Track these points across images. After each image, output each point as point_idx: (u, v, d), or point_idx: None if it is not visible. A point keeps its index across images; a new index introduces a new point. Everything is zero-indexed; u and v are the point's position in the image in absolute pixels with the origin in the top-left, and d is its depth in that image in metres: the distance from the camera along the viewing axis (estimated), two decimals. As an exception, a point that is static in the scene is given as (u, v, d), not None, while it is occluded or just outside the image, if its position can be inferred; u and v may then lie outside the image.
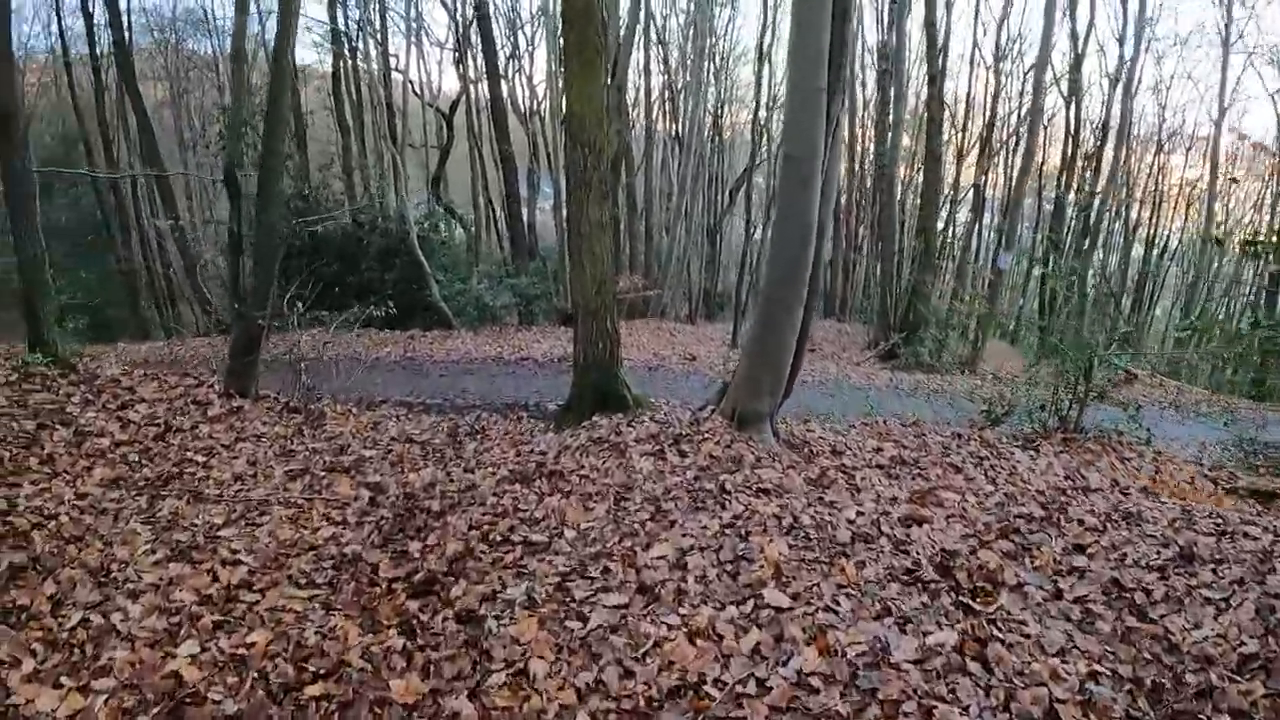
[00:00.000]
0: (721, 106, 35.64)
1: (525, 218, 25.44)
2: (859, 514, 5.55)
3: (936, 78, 21.95)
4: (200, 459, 7.28)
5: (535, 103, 31.45)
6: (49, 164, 21.89)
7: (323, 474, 7.08)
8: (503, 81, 25.57)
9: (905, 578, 4.62)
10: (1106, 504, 6.18)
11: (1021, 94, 32.79)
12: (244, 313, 9.58)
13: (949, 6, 24.54)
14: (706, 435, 7.13)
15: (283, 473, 7.06)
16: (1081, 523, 5.59)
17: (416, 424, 10.00)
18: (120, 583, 4.84)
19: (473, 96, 28.30)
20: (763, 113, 32.97)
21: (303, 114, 26.10)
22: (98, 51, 25.86)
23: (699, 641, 3.93)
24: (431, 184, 24.81)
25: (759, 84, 32.43)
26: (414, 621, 4.40)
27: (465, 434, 9.14)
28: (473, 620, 4.34)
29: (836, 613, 4.13)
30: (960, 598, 4.40)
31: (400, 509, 6.12)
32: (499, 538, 5.41)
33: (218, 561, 5.17)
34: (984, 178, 31.99)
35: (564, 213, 23.18)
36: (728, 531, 5.15)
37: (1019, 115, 32.87)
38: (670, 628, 4.06)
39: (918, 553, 4.95)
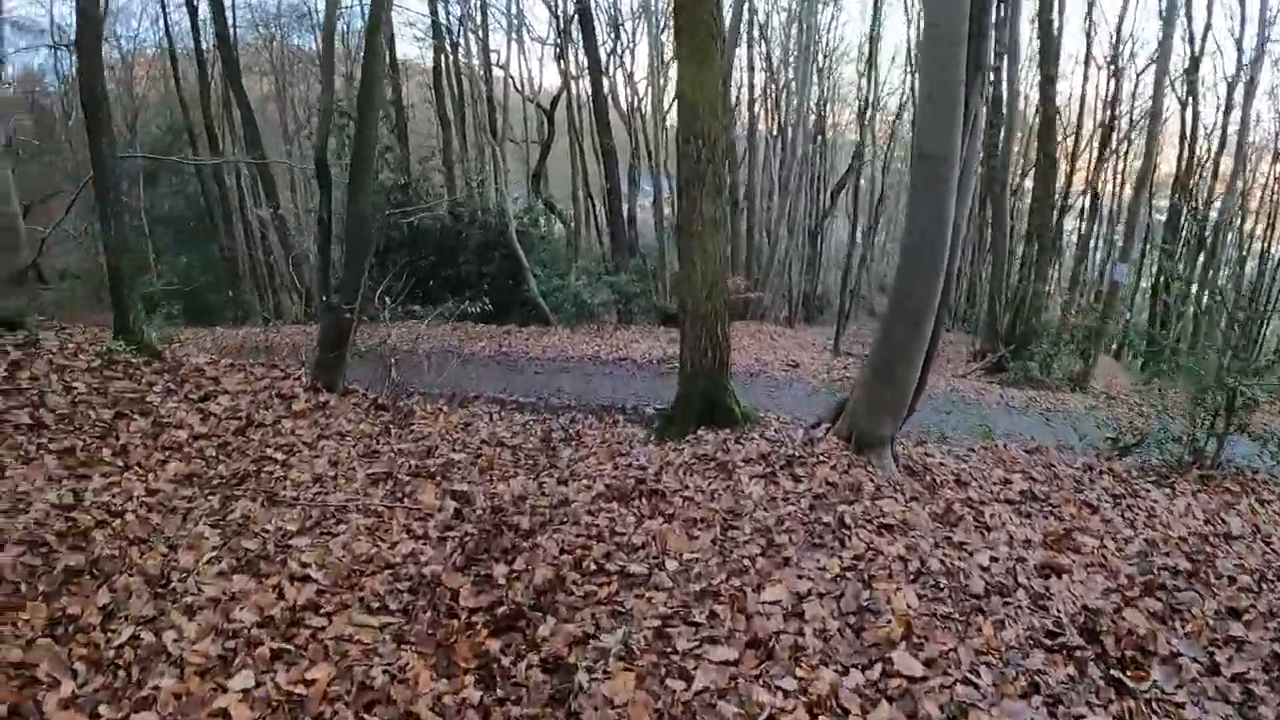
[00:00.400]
0: (824, 105, 34.84)
1: (626, 213, 25.22)
2: (992, 559, 5.01)
3: (1054, 78, 20.85)
4: (280, 456, 7.04)
5: (636, 99, 31.21)
6: (155, 153, 22.51)
7: (407, 479, 6.72)
8: (604, 77, 25.36)
9: (1048, 642, 4.09)
10: (1256, 558, 5.53)
11: (1134, 96, 31.09)
12: (333, 305, 9.39)
13: (1060, 8, 23.31)
14: (822, 458, 6.59)
15: (365, 476, 6.71)
16: (1233, 580, 4.94)
17: (508, 425, 9.75)
18: (178, 595, 4.51)
19: (574, 92, 28.14)
20: (868, 112, 32.07)
21: (404, 107, 26.34)
22: (203, 46, 26.53)
23: (820, 716, 3.46)
24: (532, 179, 24.80)
25: (866, 83, 31.55)
26: (494, 666, 3.96)
27: (559, 439, 8.80)
28: (561, 669, 3.90)
29: (977, 687, 3.60)
30: (1110, 670, 3.86)
31: (487, 524, 5.71)
32: (593, 565, 4.96)
33: (285, 576, 4.81)
34: (1098, 184, 30.52)
35: (665, 210, 23.03)
36: (849, 575, 4.65)
37: (1130, 119, 31.22)
38: (787, 694, 3.56)
39: (1059, 610, 4.40)
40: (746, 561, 4.91)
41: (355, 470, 6.91)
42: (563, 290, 20.06)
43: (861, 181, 35.16)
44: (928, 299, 6.68)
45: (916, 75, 25.42)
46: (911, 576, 4.68)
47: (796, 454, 6.75)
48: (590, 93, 24.66)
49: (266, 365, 9.71)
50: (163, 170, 28.23)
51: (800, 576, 4.64)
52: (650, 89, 27.17)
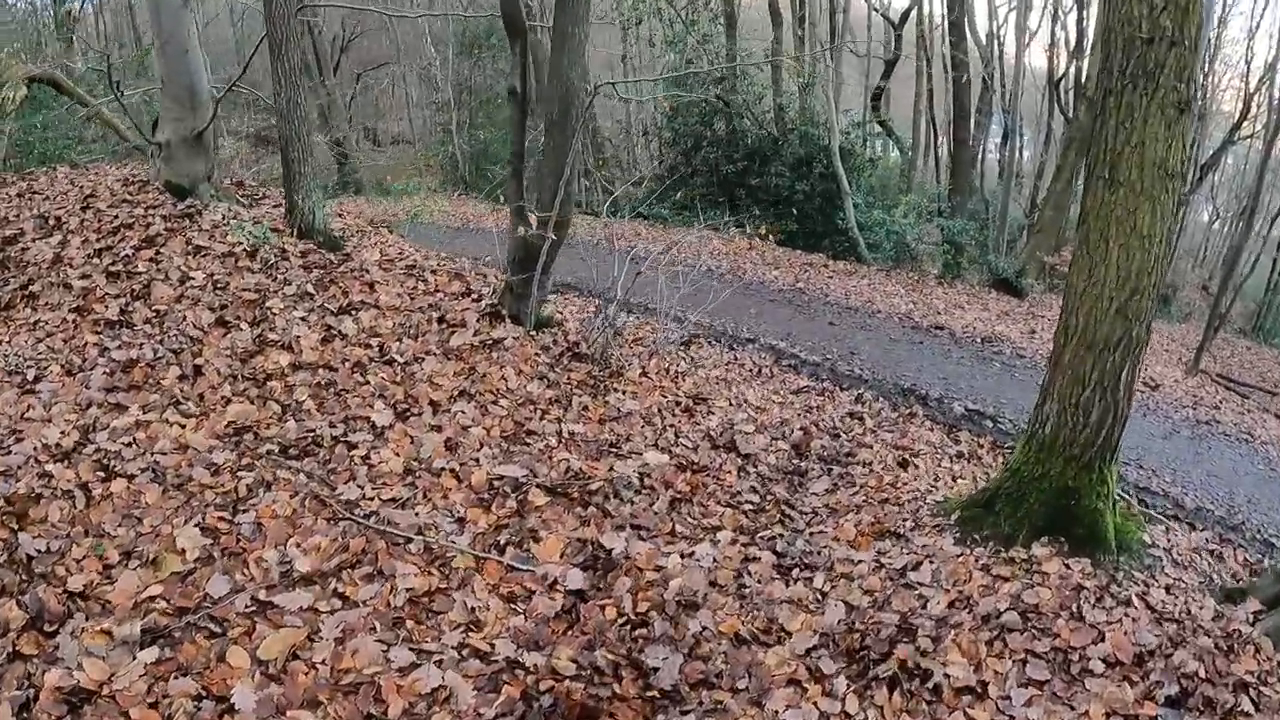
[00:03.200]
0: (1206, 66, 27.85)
1: (971, 149, 21.23)
2: None
3: None
4: (384, 420, 5.15)
5: (996, 25, 26.38)
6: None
7: (544, 504, 4.49)
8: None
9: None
10: None
11: None
12: (521, 211, 6.73)
13: None
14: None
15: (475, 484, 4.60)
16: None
17: (772, 391, 7.26)
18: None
19: (925, 10, 24.12)
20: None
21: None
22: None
23: None
24: (871, 98, 21.38)
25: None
26: None
27: (820, 454, 5.99)
28: None
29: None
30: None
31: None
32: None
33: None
34: None
35: (1019, 154, 18.99)
36: None
37: None
38: None
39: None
40: None
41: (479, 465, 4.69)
42: (884, 226, 16.84)
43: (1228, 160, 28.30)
44: None
45: None
46: None
47: (1218, 642, 3.53)
48: (945, 11, 20.64)
49: (450, 272, 7.50)
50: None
51: None
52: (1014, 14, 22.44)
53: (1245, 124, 25.56)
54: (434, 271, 7.05)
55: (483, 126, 26.74)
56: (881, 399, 9.09)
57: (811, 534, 4.52)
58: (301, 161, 7.16)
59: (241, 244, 6.70)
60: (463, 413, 5.24)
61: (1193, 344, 18.05)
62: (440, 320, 6.26)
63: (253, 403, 5.17)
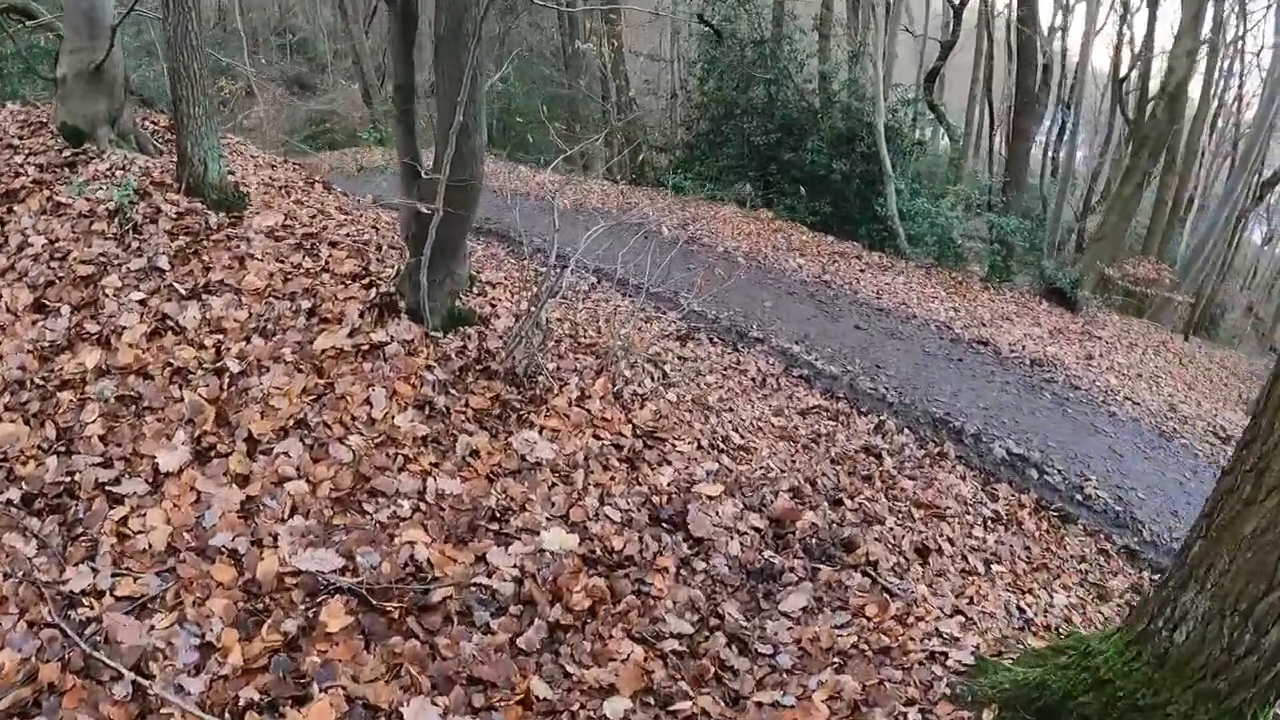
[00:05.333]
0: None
1: (1029, 141, 19.18)
2: None
3: None
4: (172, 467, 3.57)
5: (1064, 16, 24.23)
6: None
7: (342, 628, 2.91)
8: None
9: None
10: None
11: None
12: (414, 169, 4.73)
13: None
14: None
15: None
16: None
17: (775, 405, 5.66)
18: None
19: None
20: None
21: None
22: None
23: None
24: (926, 78, 19.31)
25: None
26: None
27: (808, 534, 4.26)
28: None
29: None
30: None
31: None
32: None
33: None
34: None
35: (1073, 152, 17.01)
36: None
37: None
38: None
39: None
40: None
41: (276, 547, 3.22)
42: (929, 216, 14.95)
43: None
44: None
45: None
46: None
47: None
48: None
49: (353, 246, 5.49)
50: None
51: None
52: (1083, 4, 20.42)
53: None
54: (335, 244, 5.38)
55: (509, 80, 25.14)
56: (907, 430, 7.49)
57: (760, 712, 2.86)
58: (192, 101, 5.50)
59: (107, 203, 5.15)
60: (287, 455, 3.63)
61: (1243, 374, 16.11)
62: (310, 312, 4.54)
63: (27, 422, 3.67)
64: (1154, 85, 22.56)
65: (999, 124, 23.82)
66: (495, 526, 3.46)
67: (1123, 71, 21.62)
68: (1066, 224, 20.72)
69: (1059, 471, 7.36)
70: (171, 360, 4.10)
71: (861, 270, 13.00)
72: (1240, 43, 24.95)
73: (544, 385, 4.42)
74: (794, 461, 5.54)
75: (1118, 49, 22.04)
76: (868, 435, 7.17)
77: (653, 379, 5.25)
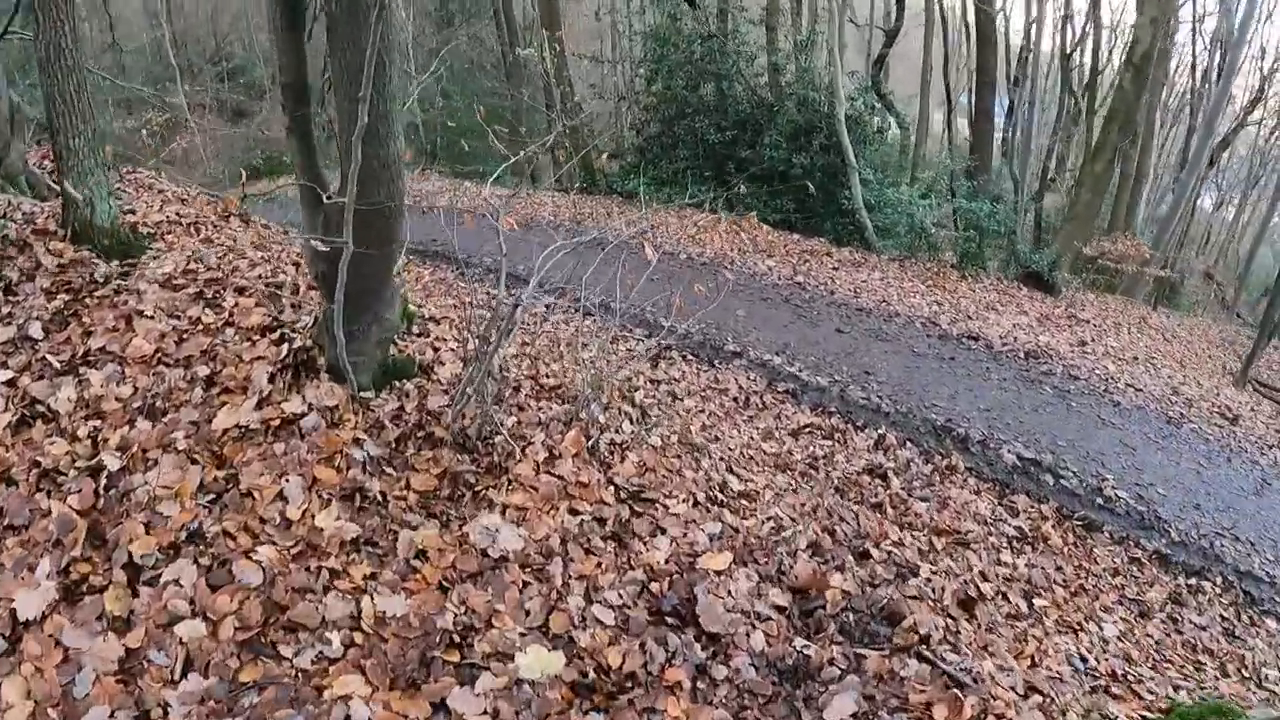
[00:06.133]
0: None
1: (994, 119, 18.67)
2: None
3: None
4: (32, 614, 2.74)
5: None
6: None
7: None
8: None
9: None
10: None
11: None
12: (315, 194, 3.73)
13: None
14: None
15: None
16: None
17: (764, 428, 4.96)
18: None
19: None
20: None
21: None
22: None
23: None
24: (873, 65, 18.70)
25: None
26: None
27: (841, 607, 3.47)
28: None
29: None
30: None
31: None
32: None
33: None
34: None
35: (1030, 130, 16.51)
36: None
37: None
38: None
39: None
40: None
41: None
42: (898, 206, 14.30)
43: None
44: None
45: None
46: None
47: None
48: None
49: (267, 291, 4.58)
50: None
51: None
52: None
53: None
54: (243, 290, 4.51)
55: (451, 95, 24.33)
56: (909, 443, 6.81)
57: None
58: (72, 132, 4.61)
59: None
60: (178, 584, 2.77)
61: (1217, 341, 15.63)
62: (209, 381, 3.67)
63: None
64: (1102, 60, 22.50)
65: (954, 106, 23.52)
66: (455, 656, 2.65)
67: (1069, 48, 21.40)
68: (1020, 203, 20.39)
69: (1074, 473, 6.74)
70: (40, 458, 3.25)
71: (835, 268, 12.30)
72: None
73: (503, 448, 3.61)
74: (801, 504, 4.79)
75: (1064, 25, 21.90)
76: (868, 453, 6.49)
77: (631, 420, 4.45)
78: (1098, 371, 9.51)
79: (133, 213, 5.65)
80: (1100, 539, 6.14)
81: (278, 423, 3.41)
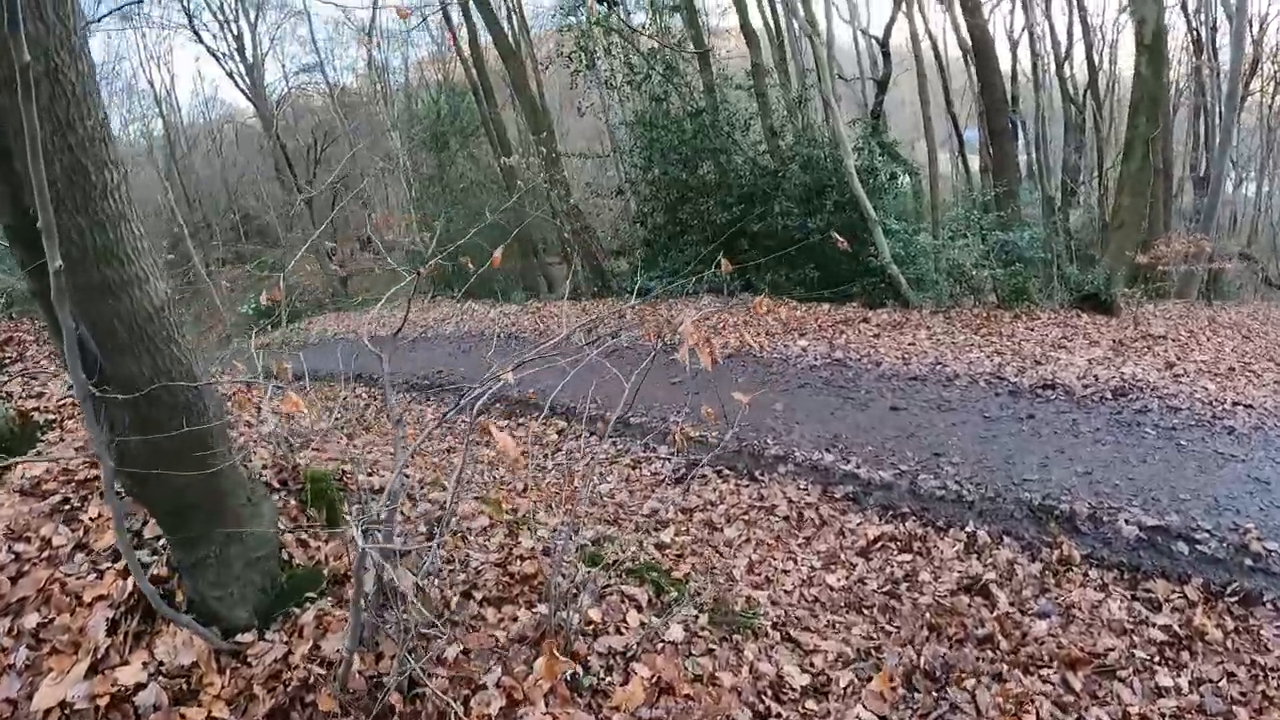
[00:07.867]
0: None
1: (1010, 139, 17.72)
2: None
3: None
4: None
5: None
6: None
7: None
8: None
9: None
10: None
11: None
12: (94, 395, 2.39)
13: None
14: None
15: None
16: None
17: (826, 552, 3.89)
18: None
19: (914, 28, 21.59)
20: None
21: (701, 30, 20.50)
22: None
23: None
24: (871, 117, 17.93)
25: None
26: None
27: None
28: None
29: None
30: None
31: None
32: None
33: None
34: None
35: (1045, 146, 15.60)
36: None
37: None
38: None
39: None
40: None
41: None
42: (927, 254, 13.17)
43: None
44: None
45: None
46: None
47: None
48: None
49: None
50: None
51: None
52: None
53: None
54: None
55: (453, 220, 24.16)
56: (1005, 536, 5.57)
57: None
58: None
59: None
60: None
61: None
62: (35, 637, 2.57)
63: None
64: (1098, 60, 21.96)
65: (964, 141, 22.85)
66: None
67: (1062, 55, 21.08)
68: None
69: (1209, 532, 5.39)
70: None
71: (875, 335, 11.13)
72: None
73: (435, 707, 2.51)
74: (890, 682, 3.58)
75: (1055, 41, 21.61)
76: (959, 561, 5.28)
77: (639, 608, 3.32)
78: (1198, 395, 8.15)
79: (38, 397, 4.79)
80: (1263, 613, 4.77)
81: (106, 700, 2.34)
